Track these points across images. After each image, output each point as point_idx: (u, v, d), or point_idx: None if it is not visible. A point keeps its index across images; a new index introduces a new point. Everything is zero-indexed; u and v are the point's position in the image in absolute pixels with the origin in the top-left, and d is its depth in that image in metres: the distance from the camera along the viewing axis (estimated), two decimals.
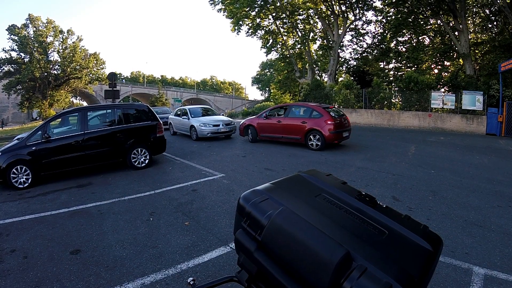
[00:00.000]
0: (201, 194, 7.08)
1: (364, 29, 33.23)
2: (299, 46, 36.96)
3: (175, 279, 3.76)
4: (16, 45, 48.17)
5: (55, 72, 51.17)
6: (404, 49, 31.29)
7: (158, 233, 5.07)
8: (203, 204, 6.36)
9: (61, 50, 51.39)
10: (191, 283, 1.58)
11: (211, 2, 35.71)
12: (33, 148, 8.69)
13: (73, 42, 52.03)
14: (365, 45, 34.00)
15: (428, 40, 30.33)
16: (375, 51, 32.83)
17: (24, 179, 8.49)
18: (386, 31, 30.96)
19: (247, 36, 37.60)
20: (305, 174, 1.97)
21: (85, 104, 71.29)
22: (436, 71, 29.03)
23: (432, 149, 12.05)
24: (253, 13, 34.69)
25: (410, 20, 27.68)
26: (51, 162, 8.84)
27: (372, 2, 30.03)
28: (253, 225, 1.54)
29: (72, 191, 7.90)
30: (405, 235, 1.41)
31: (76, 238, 4.99)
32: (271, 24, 36.42)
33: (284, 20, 35.34)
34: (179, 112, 18.44)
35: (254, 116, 15.78)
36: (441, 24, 26.65)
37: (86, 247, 4.68)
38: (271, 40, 37.74)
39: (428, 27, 29.14)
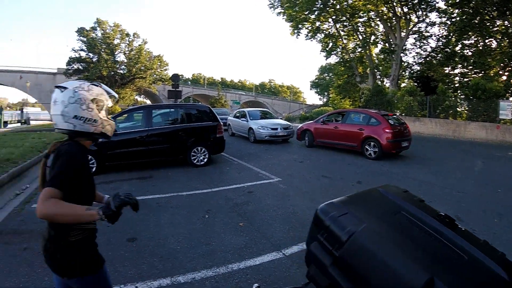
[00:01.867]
0: (257, 196, 7.14)
1: (428, 32, 31.70)
2: (359, 49, 36.06)
3: (225, 278, 3.79)
4: (84, 45, 51.51)
5: (121, 71, 54.04)
6: (470, 53, 29.42)
7: (212, 231, 5.16)
8: (258, 207, 6.40)
9: (127, 52, 54.25)
10: None
11: (270, 6, 35.96)
12: (100, 140, 9.19)
13: (138, 45, 54.70)
14: (429, 49, 32.38)
15: (495, 43, 28.36)
16: (440, 55, 31.14)
17: None
18: (451, 34, 29.37)
19: (306, 39, 37.37)
20: (382, 190, 1.94)
21: (148, 102, 74.09)
22: (504, 77, 27.07)
23: (500, 166, 11.38)
24: (313, 16, 34.45)
25: (475, 21, 26.04)
26: (115, 154, 9.41)
27: (435, 2, 28.57)
28: (330, 239, 1.54)
29: (134, 182, 8.36)
30: (484, 262, 1.37)
31: (134, 227, 5.20)
32: (331, 27, 35.88)
33: (344, 23, 34.75)
34: (238, 114, 18.89)
35: (312, 121, 15.83)
36: (509, 25, 25.06)
37: (142, 236, 4.90)
38: (330, 44, 37.12)
39: (495, 29, 27.27)
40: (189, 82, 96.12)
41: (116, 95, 2.22)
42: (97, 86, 2.06)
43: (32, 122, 45.14)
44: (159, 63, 55.90)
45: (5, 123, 41.60)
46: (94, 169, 9.05)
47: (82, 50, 52.02)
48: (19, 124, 44.00)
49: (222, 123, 11.30)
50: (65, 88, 1.94)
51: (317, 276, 1.57)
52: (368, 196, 1.94)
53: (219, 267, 4.02)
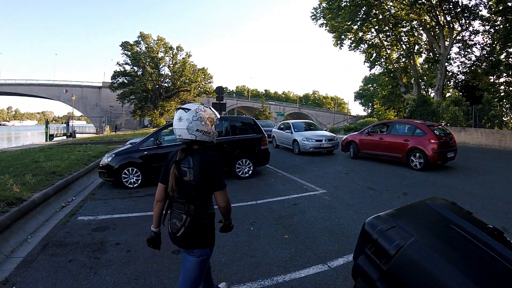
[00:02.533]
0: (302, 208, 7.16)
1: (472, 40, 31.14)
2: (403, 59, 35.84)
3: None
4: (129, 59, 53.13)
5: (166, 84, 55.55)
6: None
7: (257, 243, 5.16)
8: (303, 219, 6.40)
9: (172, 65, 55.53)
10: None
11: (312, 17, 36.30)
12: (145, 152, 9.58)
13: (182, 58, 55.87)
14: (473, 58, 31.71)
15: None
16: (484, 63, 30.40)
17: (134, 180, 9.39)
18: (495, 42, 28.62)
19: (349, 50, 37.48)
20: (430, 202, 1.94)
21: None
22: None
23: None
24: (355, 27, 34.60)
25: None
26: (160, 166, 9.57)
27: (478, 10, 28.20)
28: (378, 253, 1.56)
29: None
30: None
31: None
32: (374, 37, 35.94)
33: (387, 33, 34.70)
34: (283, 126, 19.10)
35: (356, 132, 15.87)
36: None
37: None
38: (374, 54, 37.14)
39: None
40: (234, 95, 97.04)
41: (218, 115, 2.92)
42: (207, 108, 2.80)
43: (77, 136, 46.75)
44: (203, 76, 56.65)
45: (51, 136, 43.33)
46: (139, 182, 9.43)
47: (126, 63, 53.77)
48: (64, 137, 45.58)
49: (266, 135, 11.36)
50: (188, 109, 2.68)
51: None
52: (416, 209, 1.95)
53: (264, 279, 4.04)
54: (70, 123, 56.44)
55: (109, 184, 9.74)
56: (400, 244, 1.48)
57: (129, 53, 53.16)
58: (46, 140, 38.37)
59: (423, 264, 1.38)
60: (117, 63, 54.99)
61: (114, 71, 54.08)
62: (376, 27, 34.46)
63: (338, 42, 35.96)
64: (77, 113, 77.29)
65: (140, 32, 54.94)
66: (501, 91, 29.90)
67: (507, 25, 25.74)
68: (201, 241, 2.74)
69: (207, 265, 2.95)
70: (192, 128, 2.63)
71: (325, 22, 35.70)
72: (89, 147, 17.80)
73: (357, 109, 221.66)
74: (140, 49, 54.61)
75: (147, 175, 9.50)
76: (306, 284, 3.94)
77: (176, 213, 2.77)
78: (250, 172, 10.61)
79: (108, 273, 4.19)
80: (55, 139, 42.73)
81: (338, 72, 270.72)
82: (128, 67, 54.44)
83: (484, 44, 30.67)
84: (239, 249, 4.92)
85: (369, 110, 71.20)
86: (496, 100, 25.50)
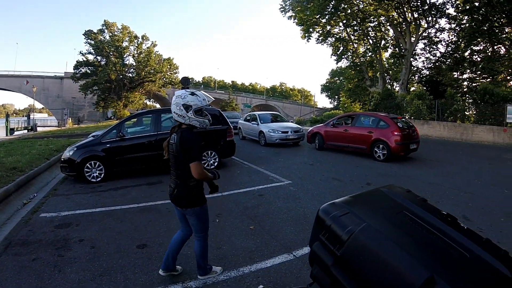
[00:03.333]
0: (267, 199, 7.14)
1: (437, 37, 32.01)
2: (370, 54, 36.32)
3: (237, 282, 3.81)
4: (92, 49, 51.37)
5: (130, 75, 54.06)
6: (479, 59, 29.52)
7: (223, 235, 5.14)
8: (269, 210, 6.40)
9: (136, 55, 54.10)
10: None
11: (281, 9, 36.23)
12: (108, 145, 9.27)
13: (147, 47, 54.55)
14: (438, 54, 32.64)
15: (504, 49, 28.26)
16: (449, 60, 31.33)
17: (97, 174, 9.06)
18: (460, 40, 29.53)
19: (317, 43, 37.56)
20: (385, 189, 1.92)
21: (158, 106, 73.86)
22: None
23: (507, 167, 11.47)
24: (324, 20, 34.69)
25: (485, 28, 26.06)
26: (124, 159, 9.35)
27: (445, 9, 28.90)
28: (332, 239, 1.52)
29: (143, 188, 8.29)
30: (486, 260, 1.36)
31: (144, 233, 5.22)
32: (342, 31, 36.18)
33: (355, 28, 34.97)
34: (249, 118, 18.94)
35: (322, 124, 15.99)
36: None
37: (152, 242, 4.88)
38: (341, 48, 37.41)
39: (504, 36, 27.20)
40: (202, 86, 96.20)
41: (202, 102, 3.51)
42: (192, 95, 3.44)
43: (39, 129, 44.99)
44: (168, 66, 55.80)
45: (12, 130, 41.48)
46: (102, 176, 9.12)
47: (89, 53, 51.91)
48: (25, 131, 43.65)
49: (232, 127, 11.24)
50: (176, 94, 3.43)
51: (320, 276, 1.59)
52: (371, 196, 1.93)
53: (230, 270, 4.05)
54: (31, 116, 54.40)
55: (71, 179, 9.36)
56: (352, 230, 1.45)
57: (93, 42, 51.22)
58: (7, 135, 36.80)
59: (374, 249, 1.36)
60: (80, 53, 52.53)
61: (77, 61, 52.08)
62: (344, 21, 34.65)
63: (306, 35, 35.96)
64: (39, 105, 74.33)
65: (105, 20, 52.86)
66: (464, 86, 30.79)
67: (473, 23, 26.54)
68: (190, 202, 3.54)
69: (207, 216, 3.80)
70: (172, 109, 3.46)
71: (293, 14, 35.64)
72: (50, 140, 17.18)
73: (323, 101, 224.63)
74: (104, 38, 52.57)
75: (110, 169, 9.26)
76: (272, 273, 3.99)
77: (172, 179, 3.61)
78: (216, 164, 10.43)
79: (73, 271, 4.09)
80: (15, 133, 41.01)
81: (305, 65, 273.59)
82: (91, 57, 52.51)
83: (449, 41, 31.55)
84: None
85: (335, 103, 71.88)
86: (459, 95, 26.17)
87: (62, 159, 9.21)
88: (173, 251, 3.84)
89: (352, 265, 1.41)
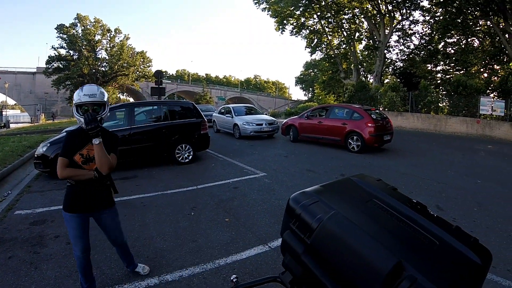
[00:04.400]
0: (242, 191, 7.17)
1: (411, 30, 32.33)
2: (344, 46, 36.26)
3: (213, 274, 3.82)
4: (65, 43, 50.41)
5: (103, 69, 53.14)
6: (452, 51, 30.06)
7: (198, 228, 5.15)
8: (244, 202, 6.44)
9: (109, 48, 53.36)
10: (234, 280, 1.62)
11: (255, 1, 35.73)
12: None
13: (120, 41, 53.82)
14: (412, 46, 33.06)
15: (478, 42, 28.97)
16: (423, 52, 31.77)
17: None
18: (434, 32, 29.90)
19: (291, 35, 37.32)
20: (355, 179, 1.93)
21: (131, 100, 73.14)
22: (485, 75, 27.69)
23: (480, 158, 11.67)
24: (298, 12, 34.45)
25: (458, 20, 26.45)
26: None
27: (419, 1, 29.04)
28: (302, 227, 1.51)
29: (117, 183, 8.03)
30: (455, 247, 1.36)
31: None
32: (316, 23, 35.97)
33: (329, 20, 34.82)
34: (223, 111, 18.80)
35: (296, 116, 15.94)
36: (491, 25, 25.44)
37: (128, 237, 4.68)
38: (315, 40, 37.28)
39: (478, 28, 27.83)
40: (178, 80, 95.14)
41: (78, 99, 2.99)
42: (79, 90, 3.02)
43: (12, 126, 44.07)
44: (142, 60, 55.12)
45: None
46: None
47: (62, 47, 50.89)
48: None
49: (206, 120, 11.18)
50: None
51: (291, 265, 1.59)
52: (341, 184, 1.92)
53: (206, 263, 4.06)
54: (3, 113, 52.94)
55: (45, 175, 9.10)
56: (322, 218, 1.44)
57: (65, 36, 50.14)
58: None
59: (342, 236, 1.35)
60: (52, 47, 51.34)
61: (49, 56, 50.92)
62: (319, 13, 34.48)
63: (280, 27, 35.67)
64: (11, 101, 72.64)
65: (77, 14, 51.74)
66: (437, 78, 31.39)
67: (447, 16, 26.87)
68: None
69: (71, 226, 3.23)
70: None
71: (267, 6, 35.27)
72: (23, 137, 16.72)
73: (298, 93, 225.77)
74: (76, 31, 51.50)
75: None
76: (247, 265, 4.04)
77: None
78: (190, 157, 10.39)
79: (49, 268, 4.03)
80: None
81: (280, 57, 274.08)
82: (63, 51, 51.40)
83: (423, 33, 31.93)
84: (180, 235, 4.92)
85: (310, 95, 72.15)
86: (432, 87, 26.53)
87: (36, 156, 8.96)
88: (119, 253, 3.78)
89: (322, 252, 1.40)
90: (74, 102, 3.01)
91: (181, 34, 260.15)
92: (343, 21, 34.75)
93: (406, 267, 1.18)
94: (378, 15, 31.13)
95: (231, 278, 1.64)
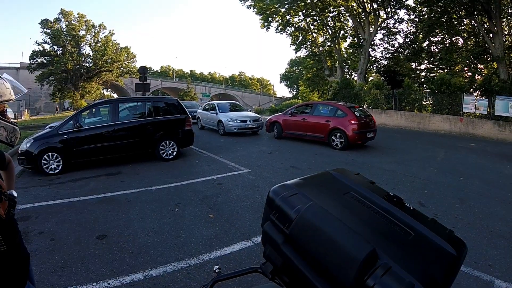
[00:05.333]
0: (226, 188, 7.21)
1: (396, 28, 32.45)
2: (329, 44, 36.37)
3: (197, 269, 3.85)
4: (49, 38, 49.95)
5: (87, 64, 52.78)
6: (436, 50, 30.33)
7: (182, 224, 5.19)
8: (227, 198, 6.48)
9: (93, 44, 52.98)
10: (216, 271, 1.66)
11: None
12: (65, 136, 9.08)
13: (104, 36, 53.58)
14: (396, 45, 33.17)
15: (462, 41, 29.22)
16: (407, 50, 31.94)
17: (55, 166, 8.86)
18: (419, 31, 30.08)
19: (276, 32, 37.30)
20: (334, 172, 1.93)
21: (115, 96, 72.52)
22: (469, 74, 28.00)
23: (462, 155, 11.79)
24: (283, 10, 34.42)
25: (443, 20, 26.65)
26: (81, 150, 9.20)
27: (404, 0, 29.22)
28: (281, 218, 1.53)
29: (101, 179, 8.16)
30: (430, 238, 1.38)
31: (103, 224, 5.18)
32: (301, 21, 36.01)
33: (315, 17, 34.88)
34: (208, 107, 18.79)
35: (281, 113, 15.93)
36: (475, 25, 25.69)
37: (112, 233, 4.86)
38: (300, 37, 37.31)
39: (462, 27, 28.08)
40: (165, 76, 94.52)
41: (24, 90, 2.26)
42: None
43: None
44: (126, 55, 54.76)
45: None
46: (60, 167, 8.87)
47: (46, 42, 50.45)
48: None
49: (191, 116, 11.22)
50: None
51: (272, 255, 1.58)
52: (320, 178, 1.91)
53: (190, 258, 4.09)
54: None
55: (29, 171, 9.06)
56: (300, 209, 1.45)
57: (49, 31, 49.72)
58: None
59: (319, 226, 1.36)
60: (36, 42, 51.17)
61: (33, 51, 50.40)
62: (304, 11, 34.46)
63: (266, 24, 35.62)
64: None
65: (61, 9, 51.34)
66: (421, 77, 31.70)
67: (432, 15, 27.05)
68: None
69: None
70: None
71: (253, 3, 35.15)
72: None
73: (282, 91, 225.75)
74: (60, 27, 51.16)
75: (68, 160, 9.06)
76: (231, 260, 4.10)
77: None
78: (175, 153, 10.43)
79: (34, 264, 4.01)
80: None
81: (265, 54, 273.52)
82: (47, 46, 50.94)
83: (407, 32, 32.11)
84: (164, 231, 4.96)
85: (295, 92, 72.91)
86: (416, 85, 26.81)
87: (19, 152, 8.94)
88: None
89: (301, 242, 1.42)
90: None
91: (166, 30, 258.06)
92: (328, 19, 34.80)
93: (381, 255, 1.20)
94: (363, 13, 31.22)
95: (214, 269, 1.68)
